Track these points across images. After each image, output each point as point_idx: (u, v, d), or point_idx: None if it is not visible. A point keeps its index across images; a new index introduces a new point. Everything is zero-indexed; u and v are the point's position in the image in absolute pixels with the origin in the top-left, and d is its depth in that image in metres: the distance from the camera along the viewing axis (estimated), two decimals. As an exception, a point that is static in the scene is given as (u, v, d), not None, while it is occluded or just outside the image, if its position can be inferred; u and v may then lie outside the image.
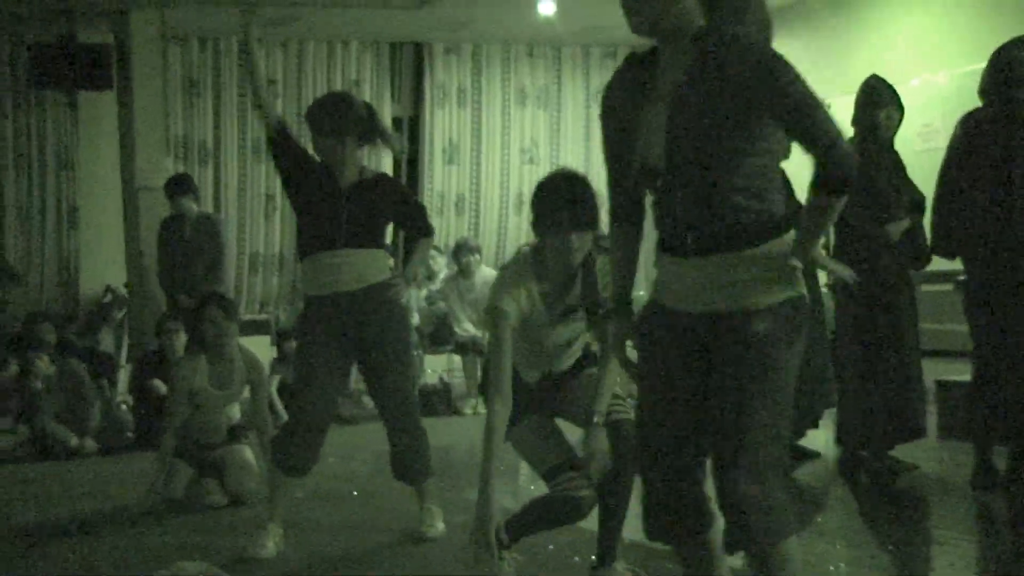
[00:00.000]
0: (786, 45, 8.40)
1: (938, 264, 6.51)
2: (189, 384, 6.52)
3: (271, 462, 5.33)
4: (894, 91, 6.45)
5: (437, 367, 10.80)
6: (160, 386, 8.42)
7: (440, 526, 5.37)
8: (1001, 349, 5.87)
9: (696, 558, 3.05)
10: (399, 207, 5.57)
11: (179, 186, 9.38)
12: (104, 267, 10.90)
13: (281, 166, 5.39)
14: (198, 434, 6.68)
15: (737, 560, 3.14)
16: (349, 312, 5.18)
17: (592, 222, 4.00)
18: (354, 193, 5.28)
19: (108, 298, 10.61)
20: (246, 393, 6.67)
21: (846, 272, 6.02)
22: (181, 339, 8.62)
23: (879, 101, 6.34)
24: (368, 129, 5.35)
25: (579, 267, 4.14)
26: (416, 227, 5.70)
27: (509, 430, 4.12)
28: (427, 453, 5.40)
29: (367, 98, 11.38)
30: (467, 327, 10.52)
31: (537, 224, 4.05)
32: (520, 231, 12.16)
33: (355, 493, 6.42)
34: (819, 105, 2.74)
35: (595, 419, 3.89)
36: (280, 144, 5.32)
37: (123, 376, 9.78)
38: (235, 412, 6.97)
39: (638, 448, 3.10)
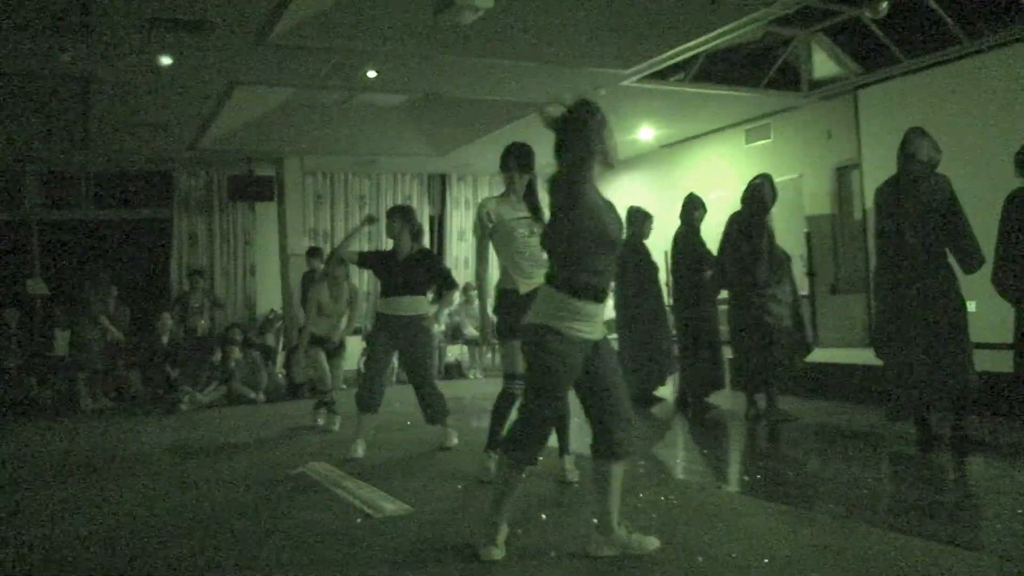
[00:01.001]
0: (639, 177, 10.42)
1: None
2: (318, 299, 7.43)
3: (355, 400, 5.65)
4: (702, 200, 7.29)
5: (454, 352, 11.80)
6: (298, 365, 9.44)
7: (455, 440, 5.75)
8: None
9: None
10: (435, 270, 5.86)
11: (312, 253, 10.42)
12: (270, 298, 11.94)
13: (367, 266, 5.95)
14: (323, 332, 7.51)
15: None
16: (401, 328, 5.61)
17: (528, 167, 4.41)
18: (407, 262, 5.71)
19: (272, 315, 11.47)
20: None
21: None
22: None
23: (696, 205, 7.21)
24: (417, 227, 5.84)
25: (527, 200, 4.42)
26: (446, 282, 5.92)
27: (507, 339, 4.29)
28: (444, 404, 5.69)
29: (415, 204, 12.46)
30: (470, 331, 11.42)
31: (503, 167, 4.48)
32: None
33: (408, 423, 6.93)
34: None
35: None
36: (361, 263, 5.87)
37: (279, 359, 10.60)
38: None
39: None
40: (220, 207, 12.01)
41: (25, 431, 7.83)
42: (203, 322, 10.59)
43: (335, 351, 7.77)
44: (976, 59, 7.94)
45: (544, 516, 3.82)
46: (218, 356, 9.68)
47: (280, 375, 10.04)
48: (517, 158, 4.49)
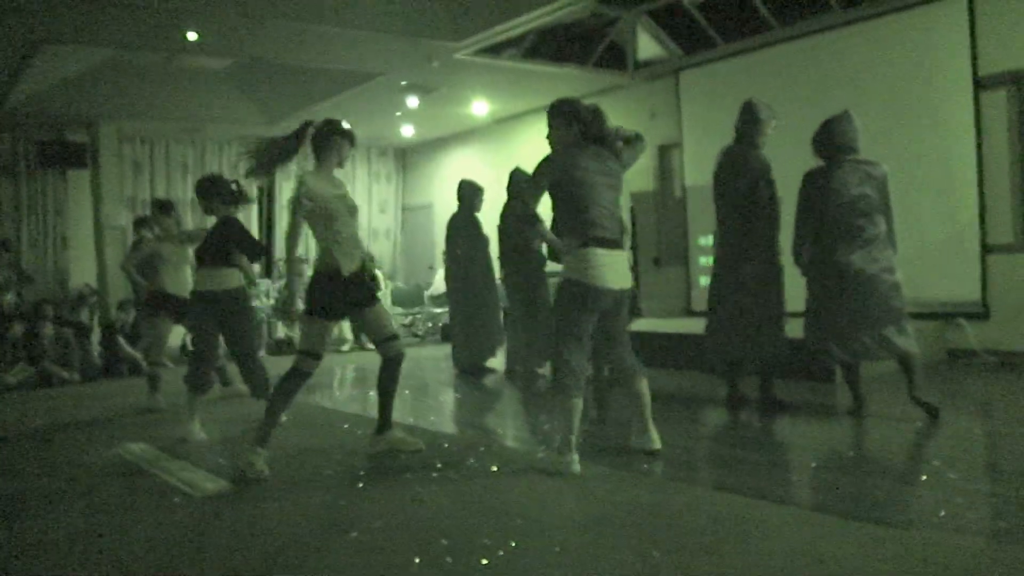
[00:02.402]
0: (474, 151, 10.43)
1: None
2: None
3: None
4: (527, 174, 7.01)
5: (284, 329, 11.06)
6: (122, 341, 9.25)
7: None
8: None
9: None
10: (235, 238, 5.64)
11: (140, 223, 9.57)
12: (83, 273, 11.35)
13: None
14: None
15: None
16: (214, 303, 5.48)
17: (341, 161, 4.43)
18: (212, 232, 5.68)
19: (86, 290, 10.95)
20: None
21: None
22: (131, 314, 9.43)
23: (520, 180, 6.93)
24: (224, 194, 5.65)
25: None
26: (252, 250, 5.79)
27: (308, 317, 4.21)
28: (266, 378, 5.51)
29: (242, 176, 13.27)
30: (299, 304, 11.87)
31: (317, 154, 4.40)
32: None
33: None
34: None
35: None
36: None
37: (94, 336, 9.78)
38: None
39: None
40: (28, 174, 11.22)
41: None
42: (9, 297, 9.99)
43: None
44: (789, 45, 8.44)
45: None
46: (18, 332, 9.04)
47: (96, 352, 9.52)
48: (343, 135, 4.44)
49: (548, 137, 4.14)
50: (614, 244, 3.96)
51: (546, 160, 4.06)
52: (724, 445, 4.60)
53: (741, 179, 5.23)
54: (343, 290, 4.14)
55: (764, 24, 8.57)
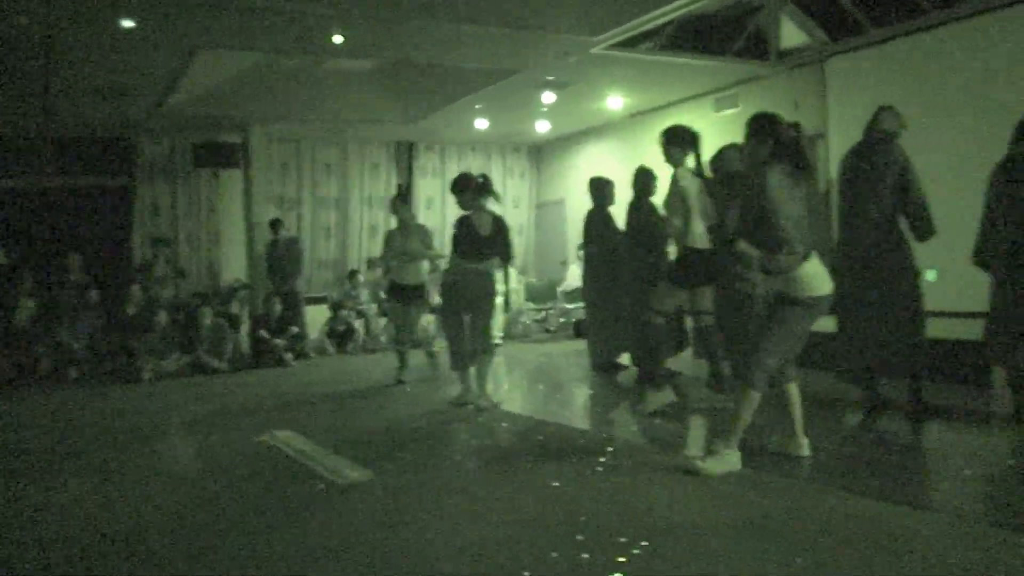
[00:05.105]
0: (608, 145, 10.23)
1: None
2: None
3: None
4: (650, 170, 7.13)
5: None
6: (264, 334, 9.69)
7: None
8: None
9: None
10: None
11: (276, 223, 10.80)
12: (234, 267, 11.81)
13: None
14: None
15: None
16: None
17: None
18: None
19: (237, 284, 11.43)
20: None
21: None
22: (277, 308, 9.92)
23: (650, 177, 7.11)
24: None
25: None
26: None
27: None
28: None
29: (382, 173, 12.92)
30: (438, 299, 9.82)
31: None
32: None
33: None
34: None
35: None
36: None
37: (244, 328, 10.54)
38: None
39: None
40: (184, 174, 11.84)
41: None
42: (167, 292, 10.49)
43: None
44: (946, 28, 7.95)
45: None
46: (174, 322, 9.70)
47: (244, 343, 10.07)
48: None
49: (744, 147, 4.14)
50: (808, 254, 3.97)
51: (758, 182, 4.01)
52: (870, 450, 4.43)
53: (881, 173, 5.03)
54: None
55: (918, 7, 8.12)
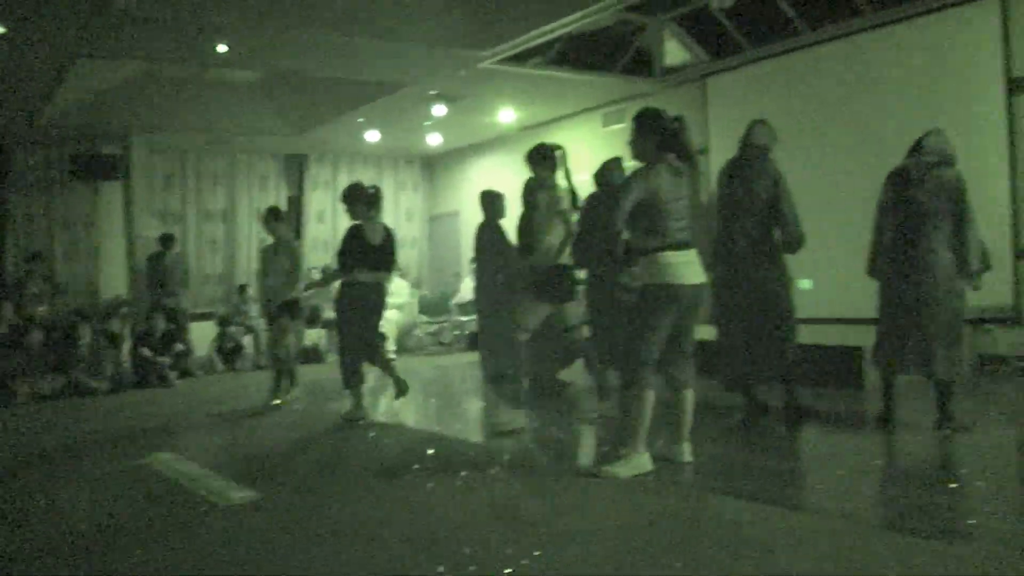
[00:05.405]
0: (500, 159, 10.31)
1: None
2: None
3: None
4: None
5: (312, 336, 11.16)
6: (146, 352, 9.19)
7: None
8: None
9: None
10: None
11: (166, 239, 10.55)
12: (115, 283, 11.49)
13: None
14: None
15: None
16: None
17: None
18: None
19: (118, 300, 11.05)
20: None
21: None
22: (160, 324, 9.51)
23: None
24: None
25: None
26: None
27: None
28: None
29: (272, 185, 12.69)
30: (329, 313, 10.16)
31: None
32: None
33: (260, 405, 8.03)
34: None
35: None
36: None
37: (126, 346, 9.72)
38: None
39: None
40: (60, 187, 11.39)
41: None
42: (42, 309, 10.07)
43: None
44: (818, 49, 8.38)
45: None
46: (49, 341, 9.18)
47: (125, 363, 9.63)
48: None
49: (629, 144, 4.20)
50: (686, 245, 4.06)
51: (627, 182, 4.14)
52: (749, 453, 4.57)
53: (754, 187, 5.18)
54: None
55: (792, 28, 8.51)
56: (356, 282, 5.96)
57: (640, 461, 4.03)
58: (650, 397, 4.00)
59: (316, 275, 11.27)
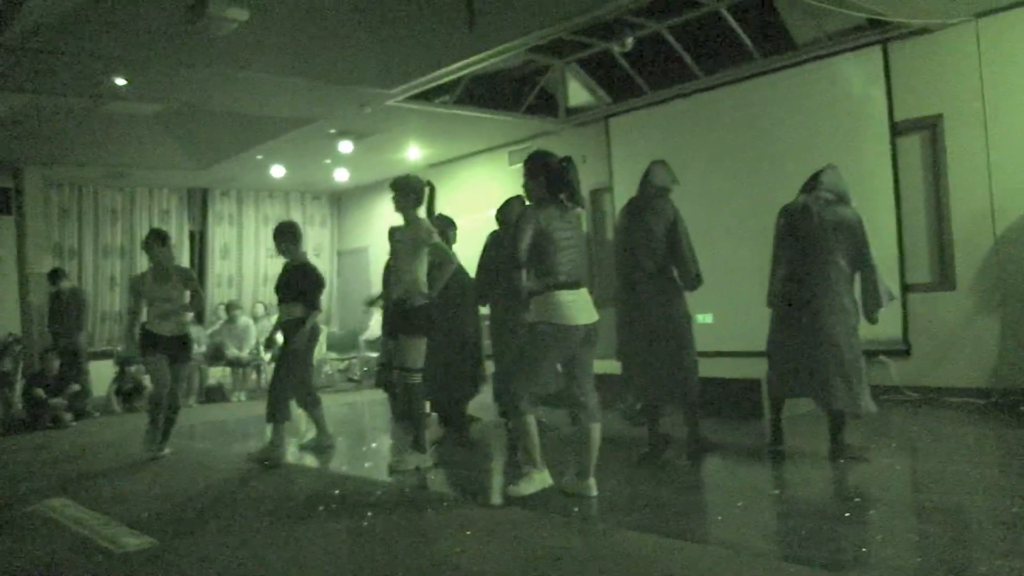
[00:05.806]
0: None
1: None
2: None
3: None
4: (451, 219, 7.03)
5: (216, 375, 11.23)
6: (40, 392, 8.83)
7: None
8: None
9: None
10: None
11: (57, 274, 10.10)
12: (6, 321, 10.94)
13: None
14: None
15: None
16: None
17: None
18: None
19: (10, 339, 10.48)
20: None
21: None
22: (55, 364, 9.18)
23: (449, 224, 6.94)
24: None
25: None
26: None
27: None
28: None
29: (173, 219, 12.38)
30: (233, 351, 11.04)
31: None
32: (267, 297, 12.33)
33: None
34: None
35: None
36: None
37: (18, 386, 9.69)
38: None
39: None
40: (-56, 224, 10.81)
41: None
42: (-75, 348, 9.51)
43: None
44: (713, 93, 8.74)
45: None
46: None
47: (19, 404, 9.36)
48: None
49: (524, 187, 4.40)
50: (576, 285, 4.20)
51: (518, 220, 4.28)
52: (653, 487, 4.61)
53: (653, 227, 5.24)
54: None
55: (689, 73, 8.84)
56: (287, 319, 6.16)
57: (541, 477, 4.31)
58: (532, 420, 4.25)
59: (221, 312, 11.19)
